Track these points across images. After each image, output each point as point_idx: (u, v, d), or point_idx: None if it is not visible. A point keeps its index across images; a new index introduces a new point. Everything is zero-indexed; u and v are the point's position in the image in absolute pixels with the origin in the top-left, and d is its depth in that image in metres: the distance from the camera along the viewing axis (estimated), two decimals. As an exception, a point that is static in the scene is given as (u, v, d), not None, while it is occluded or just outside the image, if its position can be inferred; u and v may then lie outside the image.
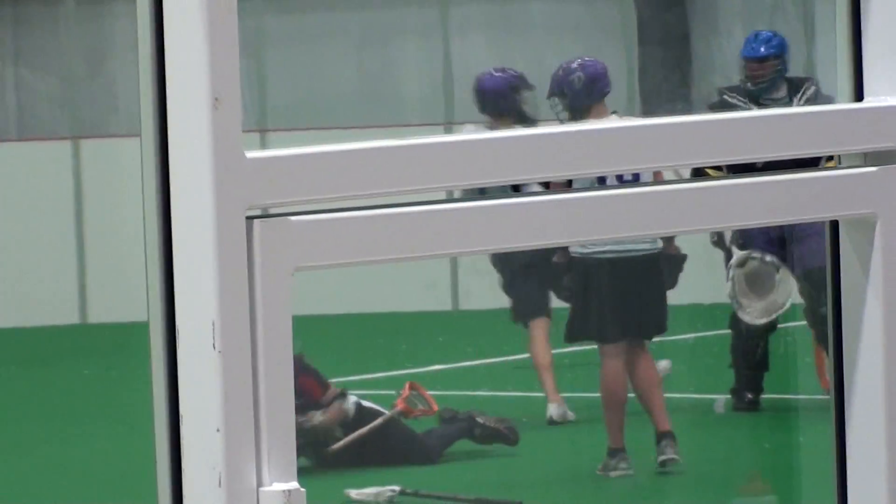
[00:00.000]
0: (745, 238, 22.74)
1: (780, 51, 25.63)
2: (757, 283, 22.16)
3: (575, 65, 23.28)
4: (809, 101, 24.97)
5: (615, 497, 19.09)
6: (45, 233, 34.38)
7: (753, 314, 21.59)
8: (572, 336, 21.32)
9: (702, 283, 24.49)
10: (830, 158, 4.15)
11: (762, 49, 25.40)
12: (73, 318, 33.07)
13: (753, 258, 22.42)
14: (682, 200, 4.01)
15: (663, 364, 22.46)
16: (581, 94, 22.97)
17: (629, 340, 20.45)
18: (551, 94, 22.92)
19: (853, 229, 3.91)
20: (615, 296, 20.45)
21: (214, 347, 3.08)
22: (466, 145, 3.52)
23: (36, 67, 37.72)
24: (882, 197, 3.85)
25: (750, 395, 23.42)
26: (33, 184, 34.68)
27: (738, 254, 22.47)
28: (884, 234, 3.93)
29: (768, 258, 22.43)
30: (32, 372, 28.84)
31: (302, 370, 21.99)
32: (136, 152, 3.28)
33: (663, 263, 21.75)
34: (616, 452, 20.00)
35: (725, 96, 25.38)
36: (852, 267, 3.94)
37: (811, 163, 3.93)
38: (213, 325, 3.05)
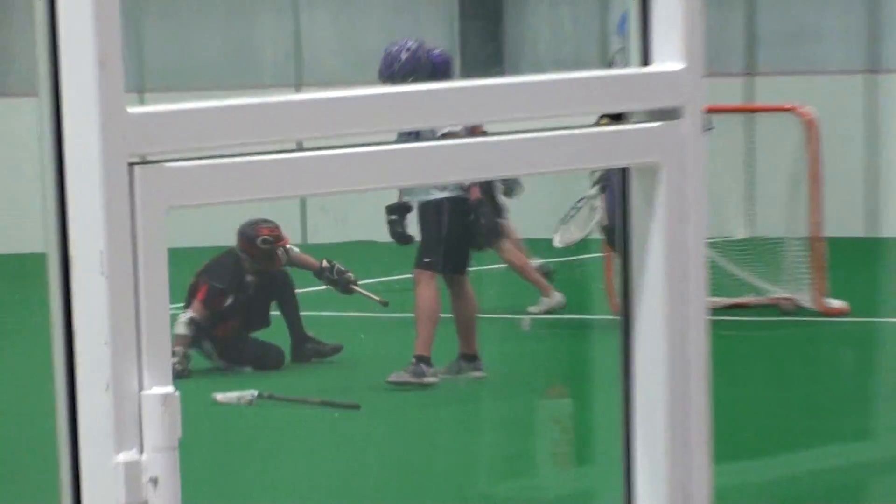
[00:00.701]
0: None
1: None
2: (566, 216, 22.41)
3: (434, 50, 23.25)
4: None
5: (435, 400, 19.07)
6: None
7: (555, 240, 22.40)
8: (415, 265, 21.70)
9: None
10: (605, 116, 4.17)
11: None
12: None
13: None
14: (483, 151, 4.07)
15: (558, 297, 22.69)
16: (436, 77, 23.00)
17: (445, 272, 20.67)
18: (409, 74, 22.59)
19: (641, 175, 4.03)
20: (425, 233, 21.04)
21: (102, 273, 3.13)
22: (311, 103, 3.65)
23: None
24: (664, 148, 3.97)
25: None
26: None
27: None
28: (666, 179, 4.10)
29: (581, 198, 22.40)
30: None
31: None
32: (33, 110, 3.41)
33: (464, 208, 21.71)
34: (425, 359, 19.89)
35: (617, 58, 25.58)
36: (640, 208, 4.05)
37: (618, 117, 4.03)
38: (101, 254, 3.09)
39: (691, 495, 4.06)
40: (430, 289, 19.84)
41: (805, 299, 20.34)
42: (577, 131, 3.91)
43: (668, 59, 3.90)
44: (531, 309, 22.22)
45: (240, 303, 21.53)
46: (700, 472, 4.13)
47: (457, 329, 20.07)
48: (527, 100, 3.93)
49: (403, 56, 21.93)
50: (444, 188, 20.35)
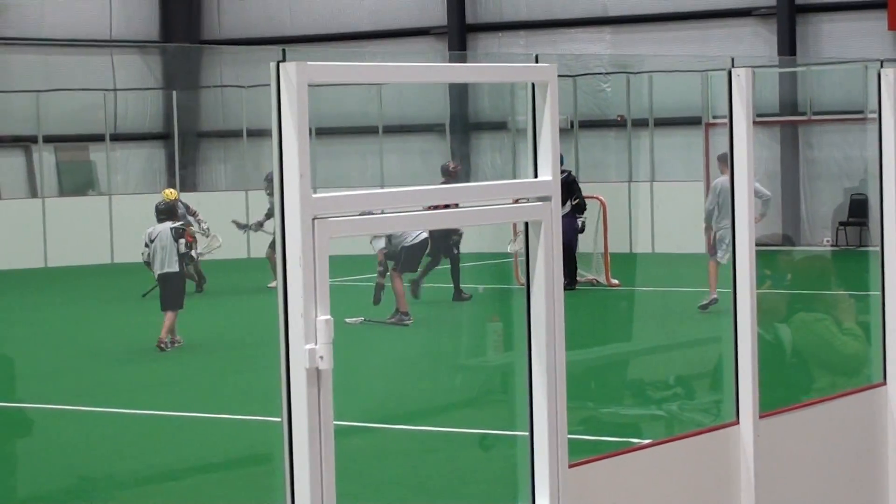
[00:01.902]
0: None
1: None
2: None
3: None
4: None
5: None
6: None
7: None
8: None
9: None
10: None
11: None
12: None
13: None
14: (460, 214, 6.54)
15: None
16: None
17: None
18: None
19: (535, 225, 6.22)
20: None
21: (300, 266, 5.38)
22: (414, 194, 6.13)
23: None
24: (544, 213, 6.17)
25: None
26: None
27: None
28: (544, 227, 6.20)
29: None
30: None
31: None
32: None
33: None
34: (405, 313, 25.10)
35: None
36: (534, 239, 6.18)
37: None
38: (300, 258, 5.33)
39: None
40: (399, 280, 24.25)
41: (602, 279, 28.01)
42: (507, 206, 6.32)
43: (544, 175, 6.31)
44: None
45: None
46: (561, 389, 6.50)
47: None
48: (477, 192, 6.36)
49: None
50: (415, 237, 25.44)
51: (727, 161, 22.67)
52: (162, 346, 23.01)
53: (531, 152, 6.19)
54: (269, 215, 27.53)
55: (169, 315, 23.19)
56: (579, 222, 27.71)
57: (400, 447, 16.56)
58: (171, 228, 24.35)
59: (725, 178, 23.95)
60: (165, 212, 25.59)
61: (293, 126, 5.35)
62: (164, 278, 23.84)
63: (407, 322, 25.36)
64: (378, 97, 39.55)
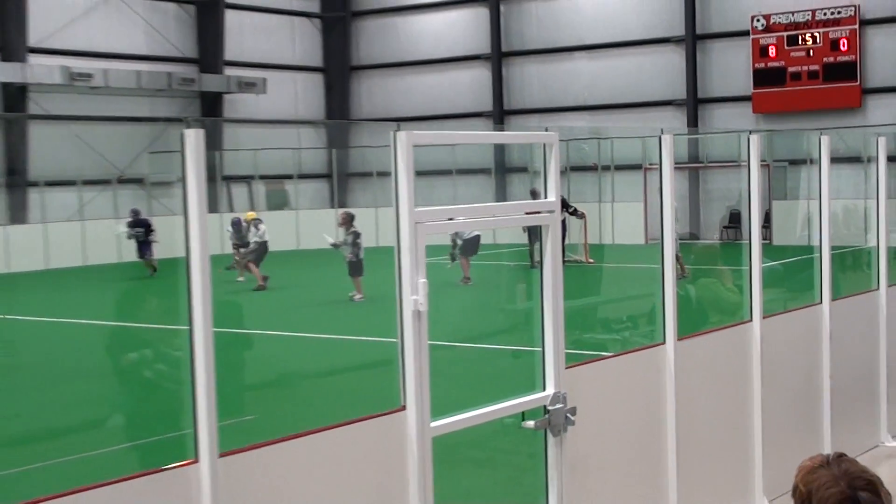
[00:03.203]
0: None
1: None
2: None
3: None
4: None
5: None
6: None
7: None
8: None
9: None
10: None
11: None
12: None
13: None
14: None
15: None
16: None
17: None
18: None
19: (544, 229, 6.13)
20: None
21: (409, 251, 5.36)
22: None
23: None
24: (548, 220, 6.11)
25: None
26: None
27: None
28: (552, 230, 6.10)
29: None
30: None
31: None
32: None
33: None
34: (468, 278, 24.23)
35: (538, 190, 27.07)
36: (545, 238, 6.14)
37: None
38: (402, 245, 5.40)
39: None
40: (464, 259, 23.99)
41: (583, 259, 27.37)
42: (528, 215, 6.35)
43: (550, 197, 6.36)
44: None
45: None
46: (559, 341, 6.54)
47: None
48: (512, 207, 6.39)
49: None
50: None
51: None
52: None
53: (543, 184, 6.22)
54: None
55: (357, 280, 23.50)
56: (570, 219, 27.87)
57: (465, 357, 16.54)
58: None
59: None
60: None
61: (403, 170, 5.32)
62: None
63: (468, 283, 25.51)
64: (453, 151, 39.74)
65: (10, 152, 36.36)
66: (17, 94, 36.32)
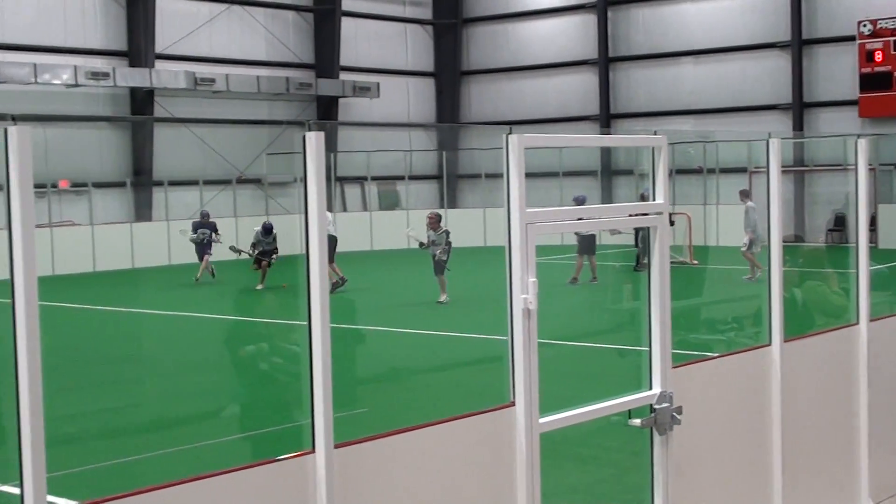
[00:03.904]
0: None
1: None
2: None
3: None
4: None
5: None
6: None
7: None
8: None
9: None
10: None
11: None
12: None
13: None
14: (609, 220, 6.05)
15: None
16: None
17: None
18: None
19: (653, 230, 6.03)
20: None
21: (518, 248, 5.34)
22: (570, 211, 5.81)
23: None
24: (657, 222, 6.00)
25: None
26: None
27: None
28: (659, 231, 6.00)
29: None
30: None
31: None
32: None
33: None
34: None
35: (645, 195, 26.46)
36: (653, 239, 6.03)
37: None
38: (512, 243, 5.34)
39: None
40: (580, 258, 23.37)
41: (687, 259, 26.92)
42: (637, 216, 6.29)
43: (659, 199, 6.28)
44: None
45: None
46: None
47: None
48: (624, 209, 6.31)
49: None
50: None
51: (747, 194, 22.94)
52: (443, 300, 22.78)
53: (652, 186, 6.14)
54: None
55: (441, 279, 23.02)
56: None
57: (572, 354, 16.43)
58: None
59: (745, 204, 24.85)
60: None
61: (515, 172, 5.28)
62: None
63: (575, 283, 25.33)
64: (559, 154, 39.54)
65: (136, 153, 37.07)
66: (144, 98, 37.06)
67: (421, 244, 23.58)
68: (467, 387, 14.43)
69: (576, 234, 23.79)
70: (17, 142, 3.68)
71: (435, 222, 23.60)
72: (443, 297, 22.81)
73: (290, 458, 4.54)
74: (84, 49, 35.90)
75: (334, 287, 25.16)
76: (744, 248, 25.49)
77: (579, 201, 27.63)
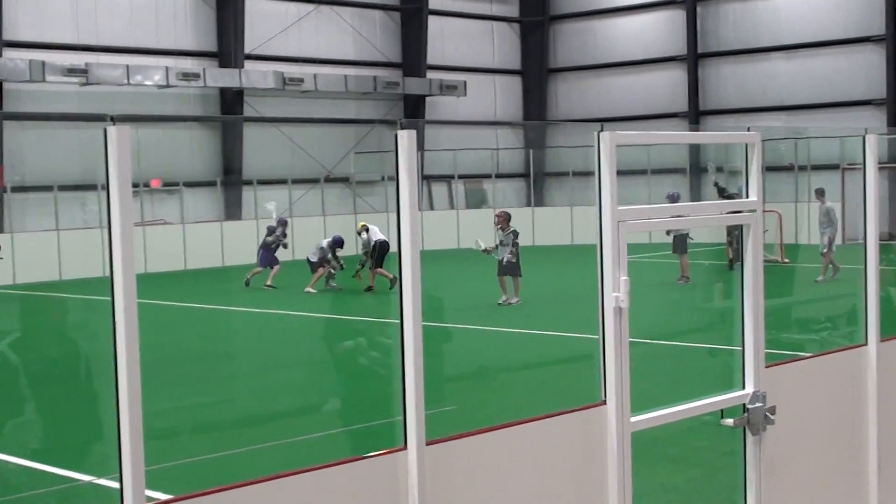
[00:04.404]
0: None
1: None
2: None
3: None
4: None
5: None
6: None
7: None
8: None
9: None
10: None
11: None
12: None
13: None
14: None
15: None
16: None
17: None
18: None
19: (746, 228, 5.95)
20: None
21: (608, 241, 5.32)
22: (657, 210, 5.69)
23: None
24: (750, 220, 5.92)
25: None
26: None
27: None
28: (753, 228, 5.91)
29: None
30: None
31: None
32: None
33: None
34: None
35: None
36: (745, 235, 5.97)
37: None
38: (605, 240, 5.32)
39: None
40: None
41: (780, 259, 27.11)
42: (729, 214, 6.20)
43: (752, 196, 6.19)
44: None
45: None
46: None
47: None
48: (716, 206, 6.21)
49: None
50: None
51: (823, 193, 22.61)
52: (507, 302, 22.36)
53: (745, 184, 6.06)
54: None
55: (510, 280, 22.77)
56: None
57: (662, 353, 16.32)
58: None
59: (825, 204, 24.45)
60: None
61: (606, 169, 5.23)
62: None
63: (681, 282, 25.09)
64: (648, 151, 39.23)
65: (226, 153, 37.57)
66: (233, 98, 37.55)
67: (485, 250, 22.97)
68: (554, 385, 14.39)
69: (667, 232, 23.46)
70: (117, 142, 3.72)
71: (504, 221, 22.95)
72: (514, 300, 22.39)
73: (383, 454, 4.56)
74: (175, 50, 36.50)
75: (370, 289, 25.44)
76: (825, 250, 25.04)
77: (672, 198, 27.26)
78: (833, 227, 25.12)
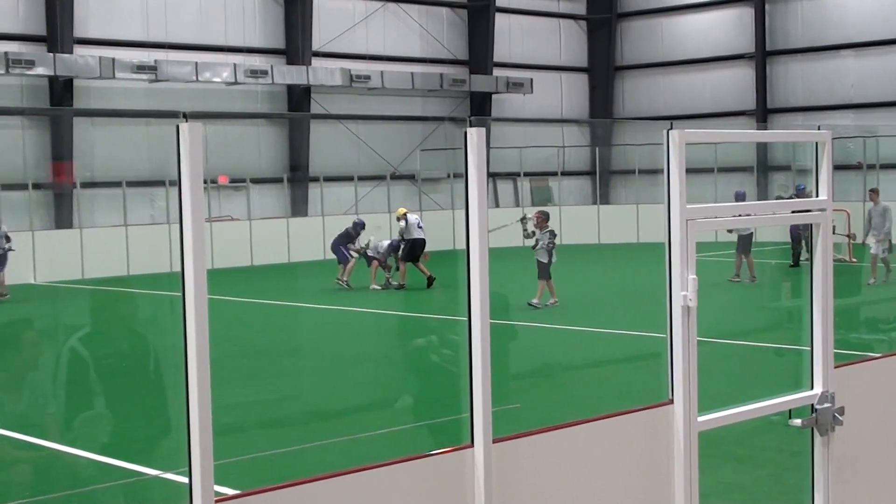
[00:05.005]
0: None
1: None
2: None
3: None
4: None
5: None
6: None
7: None
8: None
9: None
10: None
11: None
12: None
13: None
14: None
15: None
16: None
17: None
18: None
19: (816, 226, 5.88)
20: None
21: (681, 242, 5.27)
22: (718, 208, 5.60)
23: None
24: (819, 219, 5.84)
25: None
26: None
27: None
28: (823, 226, 5.84)
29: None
30: None
31: None
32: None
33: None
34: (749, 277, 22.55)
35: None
36: (816, 235, 5.90)
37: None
38: (671, 238, 5.28)
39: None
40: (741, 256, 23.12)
41: (848, 258, 26.94)
42: (799, 213, 6.12)
43: (822, 196, 6.10)
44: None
45: None
46: None
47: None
48: (786, 205, 6.13)
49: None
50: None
51: (878, 193, 22.21)
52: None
53: (815, 182, 5.98)
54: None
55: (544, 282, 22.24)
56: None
57: (729, 353, 16.17)
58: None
59: (879, 204, 24.04)
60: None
61: (675, 167, 5.17)
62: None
63: (736, 281, 24.89)
64: (714, 149, 38.90)
65: (293, 150, 37.78)
66: (301, 95, 37.76)
67: (526, 233, 22.74)
68: (618, 384, 14.32)
69: (729, 231, 23.21)
70: (189, 138, 3.74)
71: (542, 221, 22.63)
72: (551, 301, 21.89)
73: (450, 451, 4.56)
74: (243, 48, 36.79)
75: (399, 287, 25.36)
76: (884, 254, 24.52)
77: (740, 197, 27.06)
78: (886, 228, 24.57)
